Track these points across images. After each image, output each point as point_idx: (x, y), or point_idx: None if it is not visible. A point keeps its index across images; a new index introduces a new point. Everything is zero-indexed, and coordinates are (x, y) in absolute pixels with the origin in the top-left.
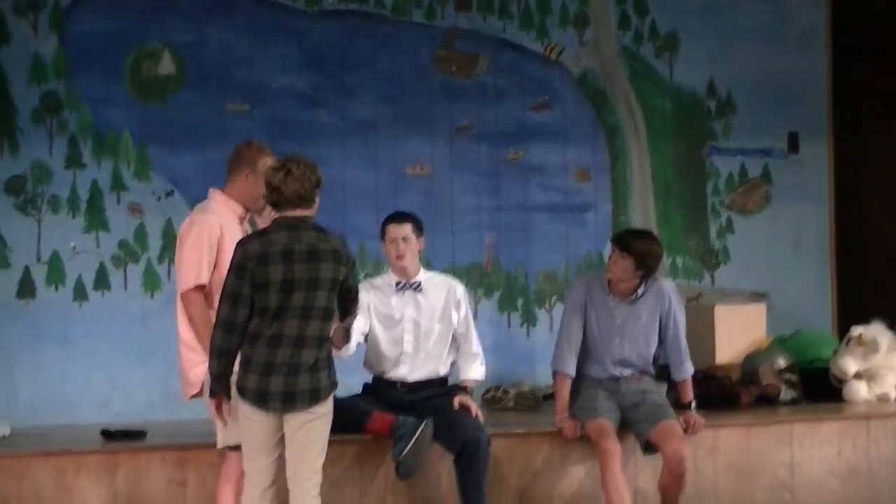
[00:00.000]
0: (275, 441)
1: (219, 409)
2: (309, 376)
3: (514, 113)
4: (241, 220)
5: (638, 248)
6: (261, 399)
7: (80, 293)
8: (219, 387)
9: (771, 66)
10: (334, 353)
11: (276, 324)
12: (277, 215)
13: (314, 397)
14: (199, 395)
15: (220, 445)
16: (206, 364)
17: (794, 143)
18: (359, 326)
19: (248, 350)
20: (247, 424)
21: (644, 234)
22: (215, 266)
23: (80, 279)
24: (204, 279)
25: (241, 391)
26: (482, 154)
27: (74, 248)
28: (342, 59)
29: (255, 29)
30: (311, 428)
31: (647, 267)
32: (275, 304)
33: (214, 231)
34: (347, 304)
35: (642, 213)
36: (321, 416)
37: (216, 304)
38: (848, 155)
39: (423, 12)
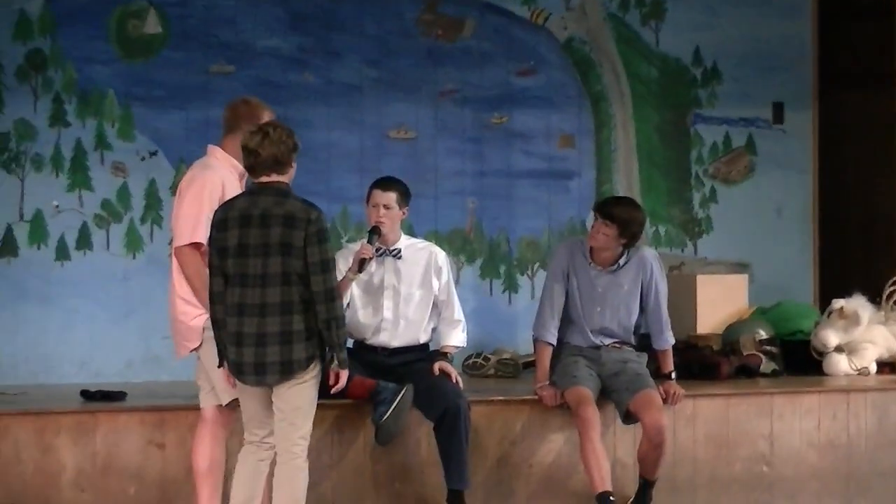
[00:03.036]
0: (267, 407)
1: (228, 377)
2: (279, 347)
3: (499, 78)
4: (242, 177)
5: (621, 216)
6: (238, 371)
7: (62, 252)
8: (220, 356)
9: (757, 35)
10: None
11: (238, 291)
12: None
13: (286, 370)
14: (198, 348)
15: (223, 403)
16: (205, 315)
17: (779, 114)
18: None
19: (225, 320)
20: (239, 394)
21: (627, 202)
22: None
23: (62, 238)
24: (199, 237)
25: (226, 362)
26: (466, 118)
27: (57, 206)
28: (328, 21)
29: None
30: (295, 393)
31: (629, 235)
32: (233, 270)
33: (216, 188)
34: (313, 285)
35: (626, 181)
36: (306, 382)
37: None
38: (832, 125)
39: None
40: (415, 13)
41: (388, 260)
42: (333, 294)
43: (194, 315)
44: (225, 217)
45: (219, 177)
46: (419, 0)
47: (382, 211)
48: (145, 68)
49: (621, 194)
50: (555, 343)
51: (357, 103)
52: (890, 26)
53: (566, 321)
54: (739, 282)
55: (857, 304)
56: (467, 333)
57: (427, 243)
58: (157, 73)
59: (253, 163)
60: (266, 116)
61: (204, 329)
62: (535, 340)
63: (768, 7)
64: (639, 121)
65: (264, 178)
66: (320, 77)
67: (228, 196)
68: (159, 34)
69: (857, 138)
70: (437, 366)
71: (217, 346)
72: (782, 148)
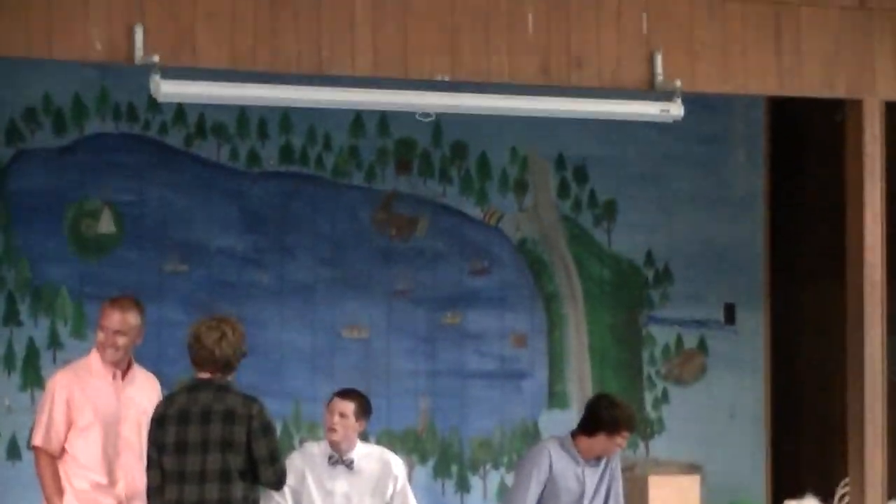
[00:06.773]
0: None
1: None
2: None
3: (452, 277)
4: (120, 375)
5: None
6: None
7: (13, 452)
8: None
9: (709, 235)
10: None
11: (176, 488)
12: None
13: None
14: None
15: None
16: None
17: (730, 315)
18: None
19: None
20: None
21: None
22: (71, 426)
23: (14, 437)
24: (37, 441)
25: None
26: (419, 318)
27: (9, 405)
28: (282, 220)
29: (195, 188)
30: None
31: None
32: (171, 467)
33: (62, 391)
34: (263, 478)
35: (578, 381)
36: None
37: (71, 462)
38: (784, 324)
39: (364, 175)
40: (369, 212)
41: (341, 469)
42: (283, 480)
43: None
44: (164, 414)
45: (74, 377)
46: (373, 199)
47: (337, 418)
48: (99, 267)
49: (573, 395)
50: None
51: (310, 302)
52: (840, 224)
53: None
54: (692, 483)
55: None
56: None
57: (382, 451)
58: (111, 272)
59: (204, 358)
60: (105, 313)
61: None
62: None
63: (720, 207)
64: (591, 321)
65: (206, 375)
66: (274, 276)
67: (80, 398)
68: (113, 233)
69: (810, 337)
70: None
71: None
72: (734, 349)
